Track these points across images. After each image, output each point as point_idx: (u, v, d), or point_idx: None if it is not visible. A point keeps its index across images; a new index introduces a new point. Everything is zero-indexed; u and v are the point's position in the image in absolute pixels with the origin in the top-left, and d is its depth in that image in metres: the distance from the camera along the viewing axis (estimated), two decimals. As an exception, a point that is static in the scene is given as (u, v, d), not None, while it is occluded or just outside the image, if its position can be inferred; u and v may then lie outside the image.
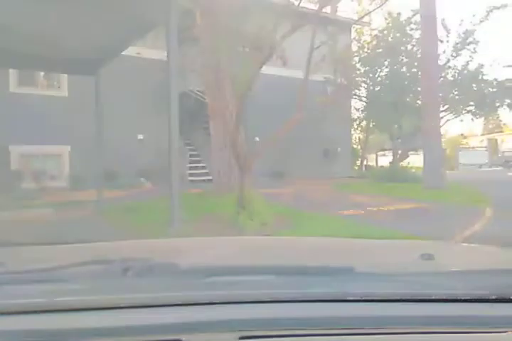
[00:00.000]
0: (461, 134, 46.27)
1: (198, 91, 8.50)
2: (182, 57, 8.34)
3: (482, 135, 47.72)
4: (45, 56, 6.24)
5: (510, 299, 0.75)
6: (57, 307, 0.72)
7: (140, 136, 10.70)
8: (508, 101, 13.37)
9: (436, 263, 1.01)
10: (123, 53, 6.69)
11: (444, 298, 0.75)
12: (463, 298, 0.75)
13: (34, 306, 0.72)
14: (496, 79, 13.15)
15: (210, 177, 10.14)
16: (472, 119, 14.34)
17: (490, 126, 51.77)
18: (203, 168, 11.81)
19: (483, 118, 45.69)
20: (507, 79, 13.09)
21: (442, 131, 14.91)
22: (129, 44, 6.45)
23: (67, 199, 7.73)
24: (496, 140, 42.83)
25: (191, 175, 12.13)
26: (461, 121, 14.60)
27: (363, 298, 0.75)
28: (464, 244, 1.49)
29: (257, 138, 11.71)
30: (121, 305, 0.72)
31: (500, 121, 54.12)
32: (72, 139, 9.64)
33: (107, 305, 0.72)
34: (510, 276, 0.82)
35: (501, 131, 49.22)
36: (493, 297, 0.75)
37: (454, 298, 0.75)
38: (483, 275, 0.85)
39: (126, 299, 0.73)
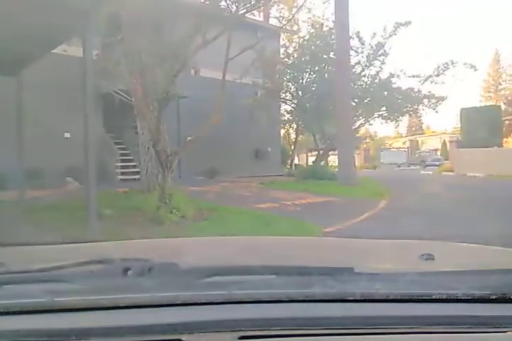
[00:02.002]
0: (387, 136, 49.77)
1: (120, 90, 8.74)
2: (109, 57, 8.60)
3: (406, 136, 51.67)
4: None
5: (510, 299, 0.75)
6: (57, 307, 0.72)
7: (67, 135, 10.66)
8: (413, 107, 15.15)
9: (436, 263, 1.00)
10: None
11: (444, 298, 0.74)
12: (463, 298, 0.74)
13: (34, 306, 0.72)
14: (400, 88, 14.84)
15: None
16: (382, 123, 15.95)
17: (413, 129, 56.26)
18: (134, 167, 11.98)
19: (407, 121, 48.71)
20: (409, 88, 14.86)
21: (372, 132, 16.20)
22: (53, 47, 6.61)
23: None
24: (417, 141, 46.65)
25: (123, 174, 12.25)
26: (371, 125, 16.34)
27: (363, 298, 0.75)
28: (464, 244, 1.47)
29: (189, 138, 12.16)
30: (121, 305, 0.72)
31: (422, 123, 58.87)
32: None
33: (107, 305, 0.72)
34: (510, 276, 0.82)
35: (423, 133, 53.72)
36: (493, 297, 0.75)
37: (454, 298, 0.74)
38: (483, 275, 0.84)
39: (126, 299, 0.73)
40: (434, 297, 0.74)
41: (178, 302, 0.73)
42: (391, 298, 0.75)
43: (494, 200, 9.01)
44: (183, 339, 0.67)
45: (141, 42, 6.41)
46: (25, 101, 7.10)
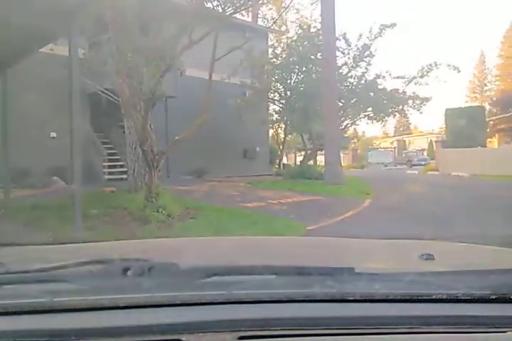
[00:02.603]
0: (375, 136, 50.31)
1: (107, 89, 8.73)
2: (96, 57, 8.58)
3: (393, 136, 52.26)
4: None
5: (510, 299, 0.75)
6: (57, 307, 0.72)
7: (53, 134, 10.61)
8: (399, 107, 15.40)
9: (436, 263, 1.01)
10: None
11: (444, 298, 0.74)
12: (463, 298, 0.75)
13: (34, 306, 0.73)
14: (385, 89, 15.08)
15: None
16: (367, 123, 16.15)
17: (400, 129, 56.94)
18: (121, 166, 11.96)
19: (395, 121, 49.10)
20: (394, 89, 15.11)
21: (360, 132, 16.37)
22: (39, 47, 6.60)
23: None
24: (405, 141, 47.23)
25: (110, 173, 12.21)
26: (357, 125, 16.56)
27: (363, 298, 0.75)
28: (464, 244, 1.47)
29: (177, 138, 12.18)
30: (121, 305, 0.72)
31: (410, 124, 59.59)
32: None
33: (106, 305, 0.73)
34: (510, 276, 0.82)
35: (410, 133, 54.36)
36: (493, 297, 0.75)
37: (454, 298, 0.75)
38: (483, 275, 0.84)
39: (126, 299, 0.73)
40: (434, 297, 0.75)
41: (178, 302, 0.73)
42: (391, 298, 0.75)
43: (472, 198, 9.32)
44: (183, 339, 0.67)
45: (127, 42, 6.45)
46: (11, 100, 7.07)
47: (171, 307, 0.73)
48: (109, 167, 12.28)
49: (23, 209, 6.46)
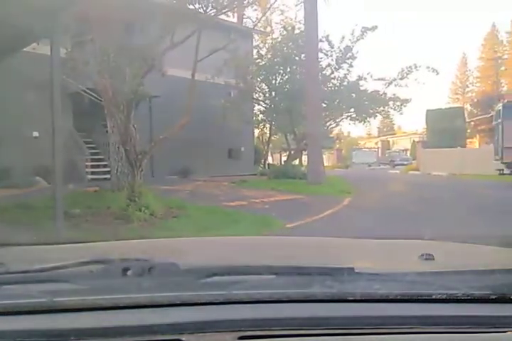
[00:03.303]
0: (360, 136, 50.88)
1: (90, 89, 8.74)
2: (79, 57, 8.57)
3: (378, 137, 52.96)
4: None
5: (510, 299, 0.75)
6: (57, 307, 0.72)
7: (35, 134, 10.56)
8: (380, 109, 15.76)
9: (436, 263, 1.01)
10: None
11: (444, 298, 0.75)
12: (463, 298, 0.75)
13: (34, 306, 0.72)
14: (366, 90, 15.40)
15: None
16: (350, 124, 16.46)
17: (385, 129, 57.74)
18: (104, 166, 11.95)
19: (379, 122, 49.66)
20: (375, 91, 15.44)
21: (343, 133, 16.60)
22: (21, 47, 6.58)
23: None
24: (389, 141, 47.93)
25: (93, 173, 12.19)
26: (339, 125, 16.99)
27: (363, 298, 0.75)
28: (464, 244, 1.46)
29: (161, 137, 12.20)
30: (121, 305, 0.72)
31: (394, 124, 60.37)
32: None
33: (106, 305, 0.73)
34: (510, 276, 0.82)
35: (394, 134, 55.16)
36: (493, 297, 0.75)
37: (454, 298, 0.75)
38: (483, 275, 0.84)
39: (126, 299, 0.73)
40: (434, 297, 0.75)
41: (178, 302, 0.73)
42: (391, 298, 0.75)
43: (445, 196, 9.70)
44: (183, 339, 0.67)
45: (110, 42, 6.49)
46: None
47: (171, 307, 0.73)
48: (93, 167, 12.25)
49: (5, 208, 6.45)
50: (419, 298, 0.76)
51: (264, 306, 0.74)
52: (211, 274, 0.78)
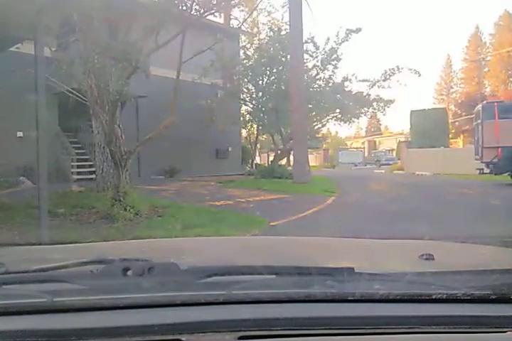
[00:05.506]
0: (348, 137, 51.33)
1: (75, 89, 8.73)
2: (63, 57, 8.56)
3: (365, 137, 53.55)
4: None
5: (510, 299, 0.76)
6: (57, 307, 0.72)
7: (20, 134, 10.50)
8: (364, 109, 16.04)
9: (436, 263, 1.01)
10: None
11: (444, 298, 0.75)
12: (463, 298, 0.75)
13: (34, 306, 0.73)
14: (350, 91, 15.65)
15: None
16: (334, 124, 16.70)
17: (372, 130, 58.42)
18: (90, 166, 11.92)
19: (366, 122, 50.17)
20: (359, 92, 15.69)
21: (329, 133, 16.82)
22: (7, 47, 6.55)
23: None
24: (375, 142, 48.47)
25: (79, 173, 12.13)
26: (324, 126, 17.29)
27: (363, 298, 0.75)
28: (464, 244, 1.46)
29: (146, 137, 12.21)
30: (121, 306, 0.72)
31: (380, 124, 61.01)
32: None
33: (106, 305, 0.73)
34: (510, 276, 0.83)
35: (381, 134, 55.82)
36: (493, 297, 0.75)
37: (454, 298, 0.75)
38: (483, 275, 0.85)
39: (126, 299, 0.73)
40: (434, 297, 0.75)
41: (178, 302, 0.74)
42: (391, 298, 0.76)
43: (426, 194, 10.02)
44: (183, 339, 0.67)
45: (94, 42, 6.52)
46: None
47: (171, 308, 0.73)
48: (78, 167, 12.19)
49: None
50: (419, 298, 0.76)
51: (264, 306, 0.74)
52: (211, 274, 0.78)
